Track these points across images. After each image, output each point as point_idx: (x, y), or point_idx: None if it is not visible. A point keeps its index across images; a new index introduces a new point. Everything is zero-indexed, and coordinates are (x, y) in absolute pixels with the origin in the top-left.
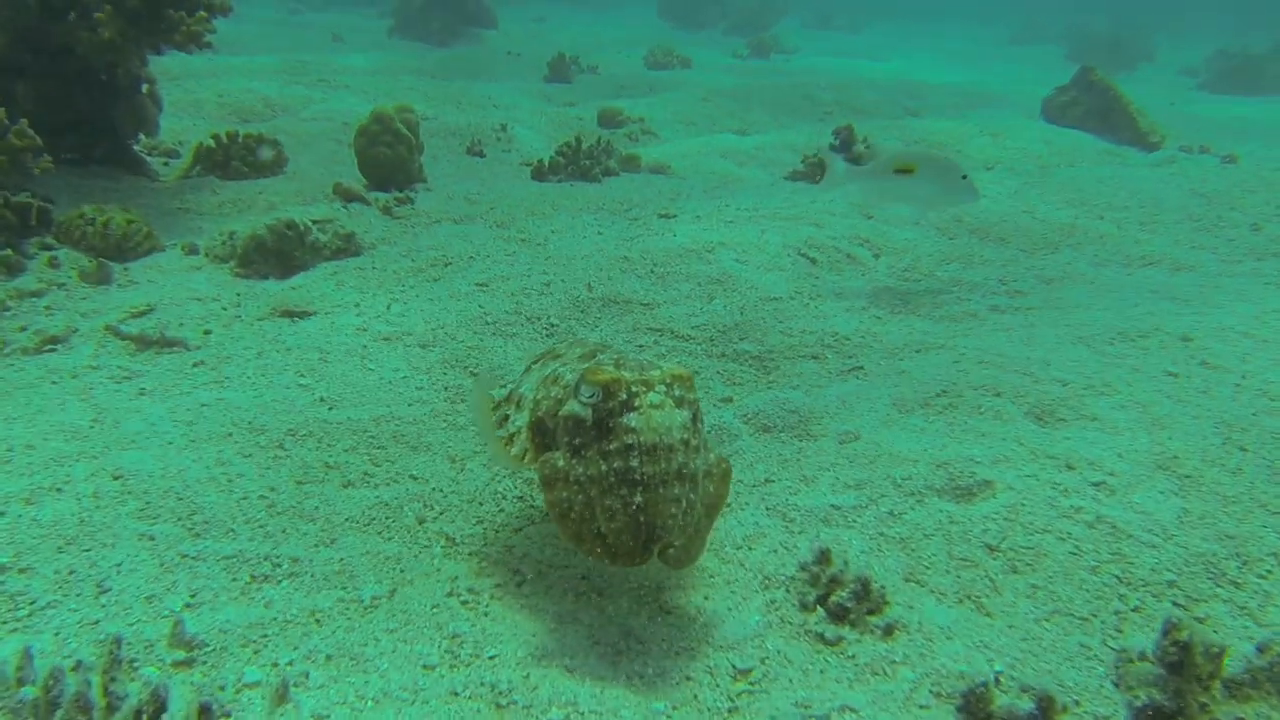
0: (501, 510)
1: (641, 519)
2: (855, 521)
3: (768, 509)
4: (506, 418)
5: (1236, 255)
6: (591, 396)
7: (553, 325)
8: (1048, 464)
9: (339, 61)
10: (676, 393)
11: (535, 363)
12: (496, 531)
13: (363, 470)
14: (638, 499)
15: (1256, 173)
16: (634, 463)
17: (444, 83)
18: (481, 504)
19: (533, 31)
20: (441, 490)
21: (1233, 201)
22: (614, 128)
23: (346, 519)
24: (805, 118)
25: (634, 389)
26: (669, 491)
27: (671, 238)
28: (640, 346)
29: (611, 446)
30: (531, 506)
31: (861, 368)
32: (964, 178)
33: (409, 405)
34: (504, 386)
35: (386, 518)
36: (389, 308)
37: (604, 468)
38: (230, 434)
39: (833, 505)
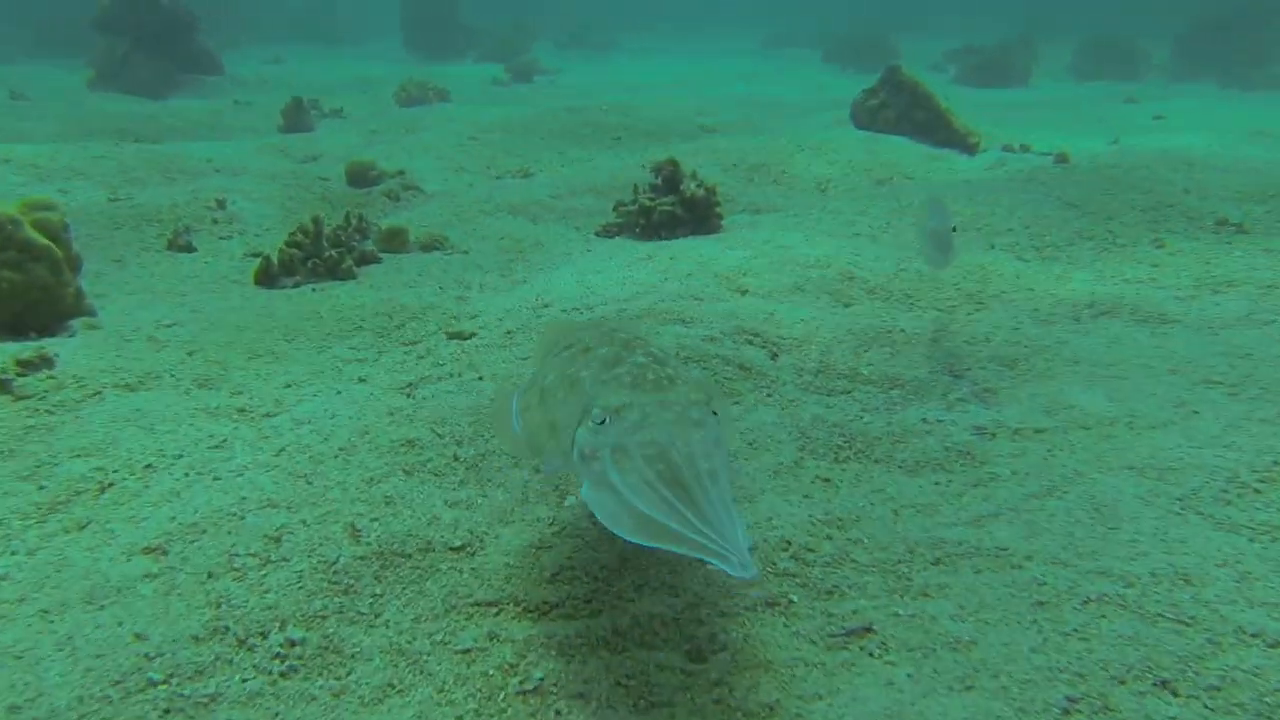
0: None
1: (680, 504)
2: None
3: None
4: (528, 406)
5: (1185, 289)
6: (603, 422)
7: (293, 642)
8: None
9: (10, 126)
10: (694, 415)
11: (564, 350)
12: None
13: None
14: (675, 492)
15: (1097, 172)
16: (660, 466)
17: (151, 146)
18: None
19: (266, 75)
20: None
21: (1107, 210)
22: (367, 186)
23: None
24: (594, 146)
25: (647, 410)
26: (705, 489)
27: (475, 380)
28: (467, 653)
29: (629, 464)
30: None
31: (870, 629)
32: (934, 233)
33: None
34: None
35: None
36: None
37: (633, 480)
38: None
39: None
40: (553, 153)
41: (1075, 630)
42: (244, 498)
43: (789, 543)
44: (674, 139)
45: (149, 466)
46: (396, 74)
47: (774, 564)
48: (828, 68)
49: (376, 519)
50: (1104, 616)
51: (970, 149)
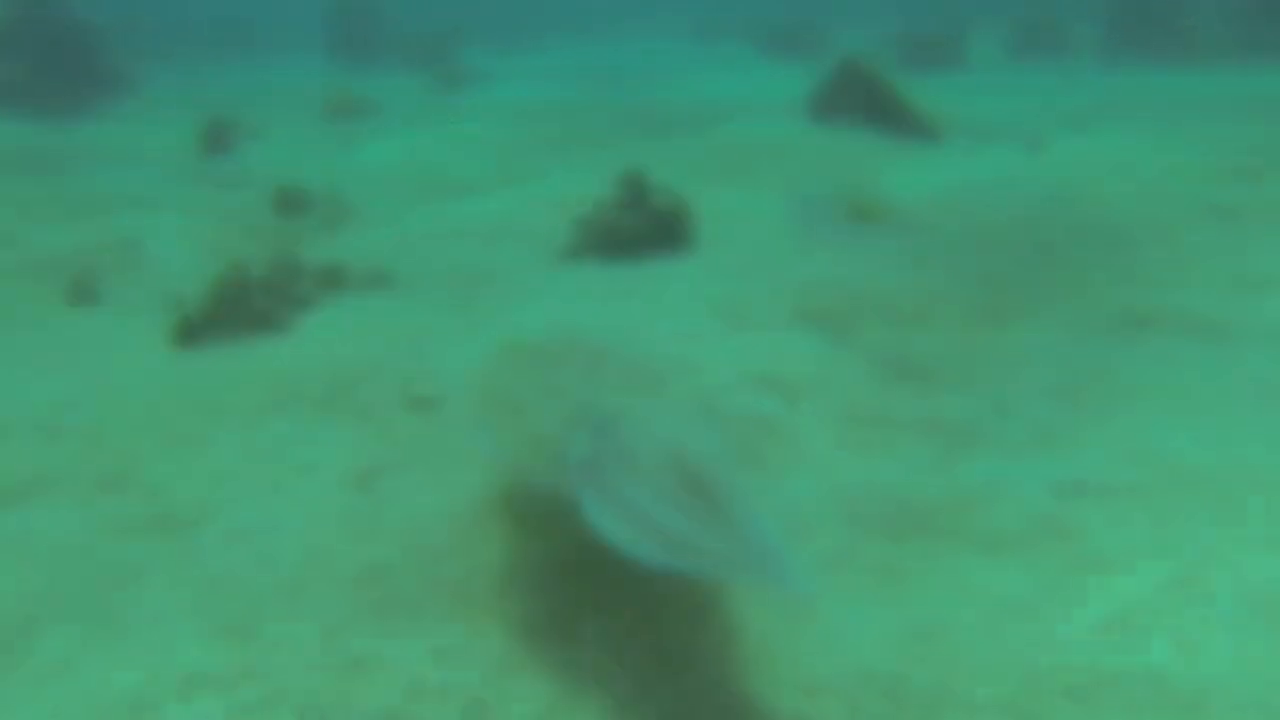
0: None
1: (708, 516)
2: None
3: None
4: (501, 426)
5: (1220, 286)
6: (601, 427)
7: None
8: None
9: None
10: (695, 416)
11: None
12: None
13: None
14: (698, 502)
15: (1072, 161)
16: (677, 474)
17: (53, 177)
18: None
19: (184, 92)
20: None
21: (1122, 208)
22: (299, 214)
23: None
24: (539, 155)
25: (646, 412)
26: (731, 495)
27: (448, 468)
28: None
29: (640, 473)
30: None
31: None
32: None
33: None
34: None
35: None
36: None
37: (648, 491)
38: None
39: None
40: (496, 164)
41: None
42: (159, 671)
43: (874, 673)
44: (623, 143)
45: (28, 629)
46: (322, 86)
47: (863, 709)
48: (766, 58)
49: (342, 694)
50: None
51: (934, 137)
